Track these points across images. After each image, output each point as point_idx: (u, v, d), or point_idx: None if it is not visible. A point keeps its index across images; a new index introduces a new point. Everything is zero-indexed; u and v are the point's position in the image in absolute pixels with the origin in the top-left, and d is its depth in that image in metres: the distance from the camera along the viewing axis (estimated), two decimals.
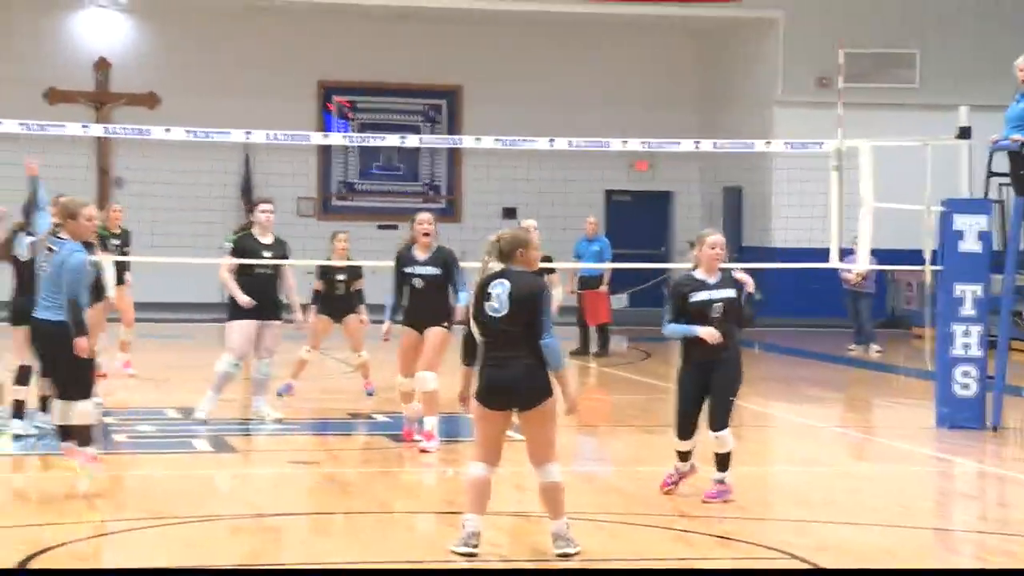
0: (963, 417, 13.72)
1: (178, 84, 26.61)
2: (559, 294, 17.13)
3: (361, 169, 28.29)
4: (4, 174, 15.83)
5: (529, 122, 24.34)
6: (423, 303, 12.12)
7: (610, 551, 8.66)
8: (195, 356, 19.56)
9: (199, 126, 15.46)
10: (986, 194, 15.65)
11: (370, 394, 15.13)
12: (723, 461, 10.08)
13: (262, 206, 13.57)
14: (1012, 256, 14.22)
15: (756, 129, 24.72)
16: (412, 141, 18.28)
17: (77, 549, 8.55)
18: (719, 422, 10.03)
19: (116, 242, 16.41)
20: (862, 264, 15.40)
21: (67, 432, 10.08)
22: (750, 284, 10.19)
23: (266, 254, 13.29)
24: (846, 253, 15.57)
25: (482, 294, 8.41)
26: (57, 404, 10.19)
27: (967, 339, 13.83)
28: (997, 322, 14.09)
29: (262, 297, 13.19)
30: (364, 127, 27.34)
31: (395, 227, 24.10)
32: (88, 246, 10.45)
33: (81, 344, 9.87)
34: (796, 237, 21.43)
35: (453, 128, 27.94)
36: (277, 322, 13.39)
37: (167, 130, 15.16)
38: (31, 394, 12.25)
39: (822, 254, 15.09)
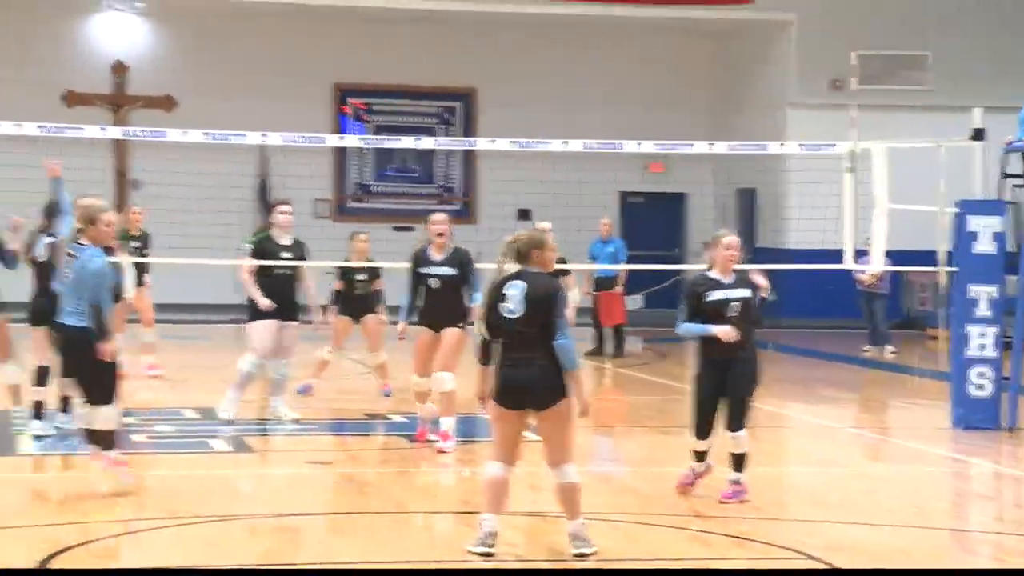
0: (978, 418, 13.74)
1: (194, 87, 26.71)
2: (575, 296, 17.17)
3: (376, 171, 28.37)
4: (23, 176, 15.91)
5: (543, 124, 24.37)
6: (439, 303, 12.18)
7: (626, 551, 8.70)
8: (212, 357, 19.65)
9: (215, 128, 15.53)
10: (1000, 195, 15.67)
11: (387, 395, 15.17)
12: (739, 461, 10.10)
13: (281, 207, 13.62)
14: None
15: (769, 131, 24.74)
16: (427, 143, 18.36)
17: (97, 548, 8.62)
18: (737, 422, 10.06)
19: (136, 244, 16.50)
20: (876, 265, 15.42)
21: (92, 436, 10.16)
22: (765, 288, 10.23)
23: (285, 255, 13.36)
24: (860, 254, 15.60)
25: (496, 296, 8.45)
26: (82, 408, 10.28)
27: (982, 340, 13.84)
28: (1012, 323, 14.10)
29: (281, 298, 13.25)
30: (379, 129, 27.42)
31: (411, 229, 24.18)
32: (108, 251, 10.52)
33: (105, 348, 9.95)
34: (810, 238, 21.40)
35: (468, 130, 28.00)
36: (295, 323, 13.46)
37: (184, 132, 15.24)
38: (51, 395, 12.35)
39: (836, 255, 15.12)
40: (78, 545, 8.54)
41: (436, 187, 28.59)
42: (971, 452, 12.65)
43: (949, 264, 14.18)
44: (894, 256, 15.96)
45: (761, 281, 10.26)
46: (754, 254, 24.69)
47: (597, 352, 20.34)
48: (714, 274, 10.15)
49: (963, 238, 13.92)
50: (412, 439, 12.53)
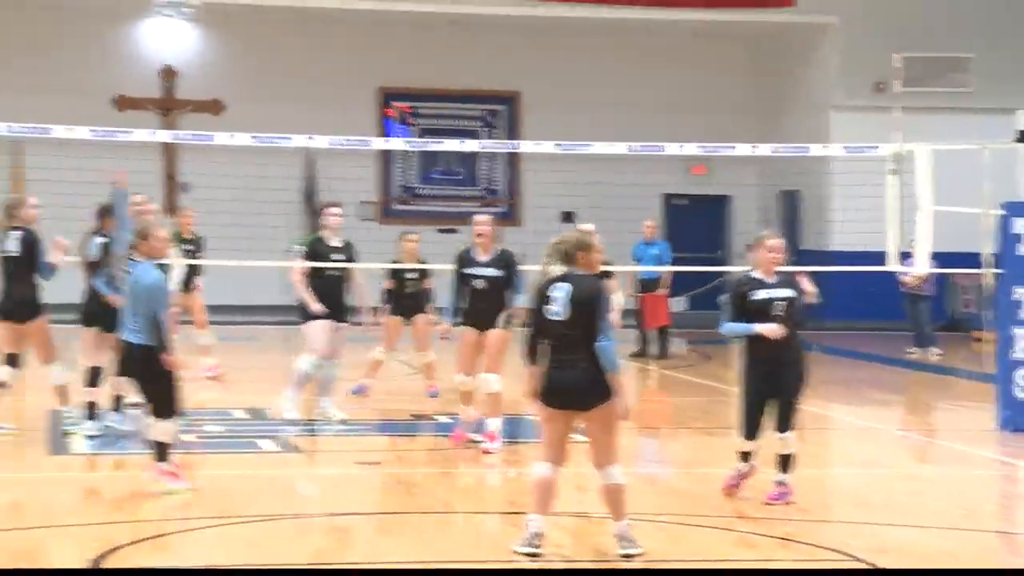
0: None
1: (242, 91, 26.90)
2: (620, 299, 17.19)
3: (421, 174, 28.48)
4: (76, 179, 16.13)
5: (586, 127, 24.42)
6: (484, 304, 12.27)
7: (671, 552, 8.73)
8: (261, 358, 19.81)
9: (262, 132, 15.68)
10: None
11: (433, 395, 15.25)
12: (786, 462, 10.11)
13: (331, 210, 13.72)
14: None
15: (813, 133, 24.70)
16: (471, 145, 18.44)
17: (148, 547, 8.72)
18: (785, 423, 10.08)
19: (189, 247, 16.65)
20: (920, 267, 15.41)
21: (150, 442, 10.30)
22: (812, 294, 10.25)
23: (335, 257, 13.46)
24: (904, 256, 15.58)
25: (541, 298, 8.50)
26: (146, 418, 10.42)
27: None
28: None
29: (331, 300, 13.35)
30: (424, 132, 27.54)
31: (455, 231, 24.27)
32: (162, 265, 10.64)
33: (169, 360, 10.08)
34: (853, 240, 21.39)
35: (512, 133, 28.08)
36: (345, 324, 13.57)
37: (231, 136, 15.38)
38: (103, 395, 12.50)
39: (880, 257, 15.12)
40: (130, 543, 8.64)
41: (480, 189, 28.68)
42: (1018, 455, 12.62)
43: (994, 266, 14.16)
44: (938, 258, 15.93)
45: (808, 287, 10.28)
46: (798, 256, 24.67)
47: (641, 354, 20.37)
48: (758, 275, 10.19)
49: (1008, 240, 13.89)
50: (449, 438, 12.60)
